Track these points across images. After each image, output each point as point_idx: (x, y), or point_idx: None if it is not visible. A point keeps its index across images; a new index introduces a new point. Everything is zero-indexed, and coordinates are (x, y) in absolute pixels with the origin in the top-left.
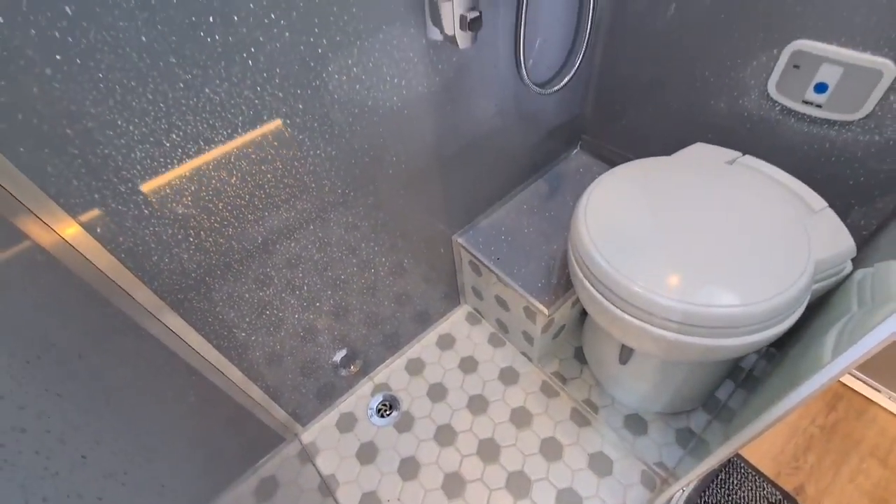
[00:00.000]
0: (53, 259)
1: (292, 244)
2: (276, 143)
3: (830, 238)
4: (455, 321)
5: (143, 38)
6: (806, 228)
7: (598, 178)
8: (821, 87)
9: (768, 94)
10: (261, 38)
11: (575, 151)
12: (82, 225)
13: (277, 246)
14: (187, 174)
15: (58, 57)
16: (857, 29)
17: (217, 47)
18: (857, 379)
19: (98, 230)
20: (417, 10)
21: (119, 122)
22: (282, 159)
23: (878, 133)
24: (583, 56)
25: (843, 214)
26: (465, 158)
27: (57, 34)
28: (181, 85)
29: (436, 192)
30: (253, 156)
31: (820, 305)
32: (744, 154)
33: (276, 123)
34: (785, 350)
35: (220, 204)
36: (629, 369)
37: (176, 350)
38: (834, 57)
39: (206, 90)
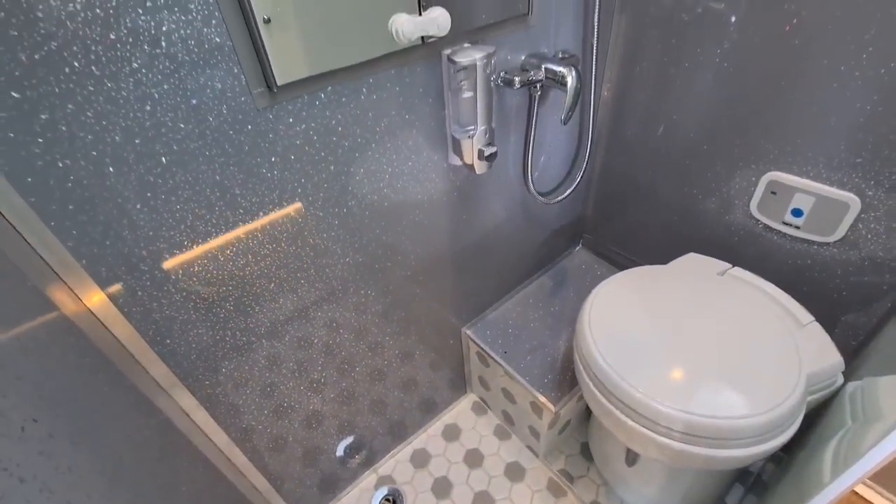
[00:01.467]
0: (108, 361)
1: (311, 336)
2: (312, 254)
3: (819, 352)
4: (461, 410)
5: (217, 177)
6: (796, 342)
7: (599, 284)
8: (797, 212)
9: (751, 214)
10: (310, 171)
11: (577, 249)
12: (138, 329)
13: (296, 337)
14: (234, 283)
15: (148, 195)
16: (822, 167)
17: (274, 180)
18: (870, 488)
19: (150, 333)
20: (441, 144)
21: (185, 243)
22: (316, 267)
23: (853, 254)
24: (584, 171)
25: (830, 326)
26: (475, 257)
27: (151, 178)
28: (241, 210)
29: (447, 287)
30: (292, 265)
31: (819, 415)
32: (733, 266)
33: (315, 237)
34: (792, 453)
35: (258, 308)
36: (636, 471)
37: (185, 431)
38: (805, 188)
39: (261, 213)
